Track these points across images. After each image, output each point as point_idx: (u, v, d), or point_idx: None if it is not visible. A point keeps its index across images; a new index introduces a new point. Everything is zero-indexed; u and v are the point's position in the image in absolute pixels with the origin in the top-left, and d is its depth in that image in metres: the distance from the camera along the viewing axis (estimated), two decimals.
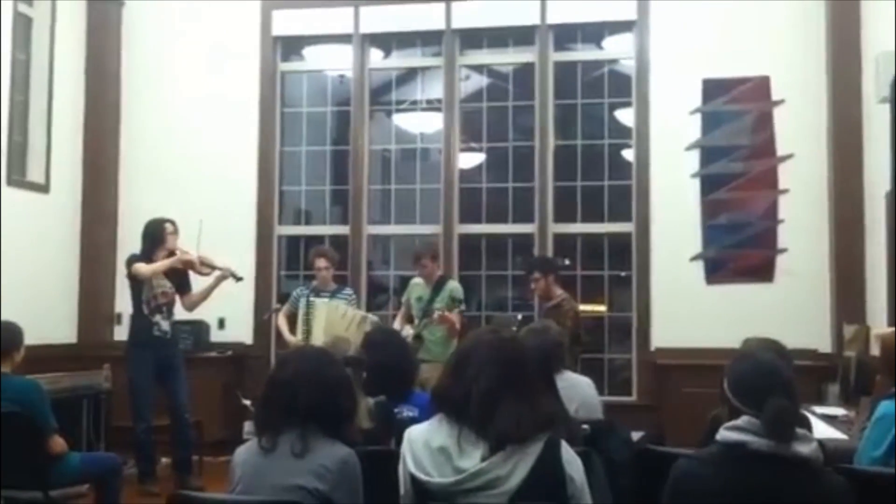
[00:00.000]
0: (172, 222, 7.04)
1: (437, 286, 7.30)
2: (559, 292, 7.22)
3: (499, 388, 2.70)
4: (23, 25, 8.01)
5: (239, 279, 7.19)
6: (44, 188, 8.20)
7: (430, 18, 8.66)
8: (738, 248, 7.96)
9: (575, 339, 6.87)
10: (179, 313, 7.22)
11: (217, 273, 7.05)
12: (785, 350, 3.97)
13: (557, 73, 8.60)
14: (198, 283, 7.19)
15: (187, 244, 7.02)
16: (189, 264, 6.97)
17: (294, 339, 7.19)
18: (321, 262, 7.36)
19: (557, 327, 4.94)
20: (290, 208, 9.28)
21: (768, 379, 2.65)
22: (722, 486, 2.53)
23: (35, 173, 8.14)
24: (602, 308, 8.55)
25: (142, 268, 6.85)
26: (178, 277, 7.05)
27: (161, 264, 6.88)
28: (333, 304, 7.20)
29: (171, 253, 6.96)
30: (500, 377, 2.72)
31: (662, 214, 8.09)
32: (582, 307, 7.80)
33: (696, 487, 2.57)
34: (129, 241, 7.95)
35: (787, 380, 2.66)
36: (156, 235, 6.99)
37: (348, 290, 7.60)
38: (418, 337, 7.12)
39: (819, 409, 5.61)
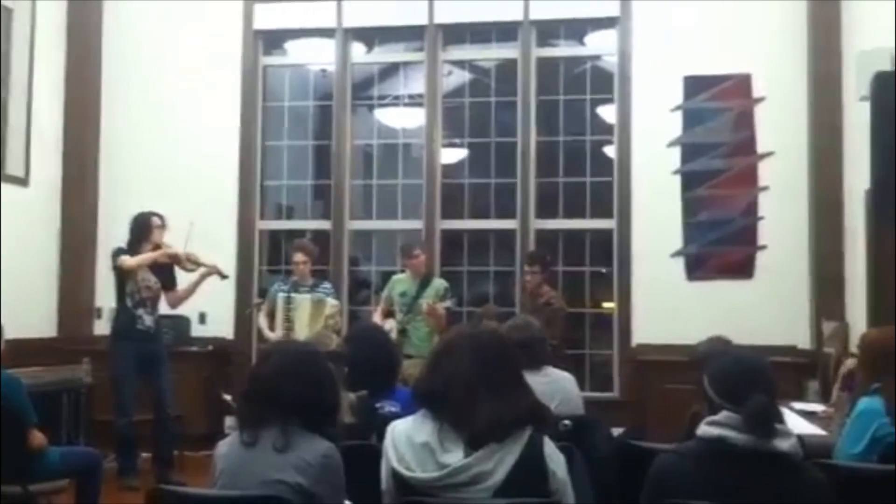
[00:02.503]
0: (160, 216, 7.01)
1: (423, 282, 7.31)
2: (546, 289, 7.27)
3: (477, 383, 2.70)
4: (2, 17, 7.94)
5: (224, 277, 7.19)
6: (23, 181, 8.14)
7: (412, 13, 8.66)
8: (719, 245, 7.99)
9: (563, 339, 6.94)
10: (162, 308, 7.19)
11: (202, 270, 7.04)
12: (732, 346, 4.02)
13: (540, 70, 8.61)
14: (183, 280, 7.16)
15: (175, 242, 7.00)
16: (174, 258, 6.95)
17: (274, 336, 7.17)
18: (299, 257, 7.36)
19: (538, 323, 4.97)
20: (272, 203, 9.26)
21: (749, 375, 2.67)
22: (702, 481, 2.54)
23: (14, 167, 8.07)
24: (583, 304, 8.55)
25: (127, 260, 6.82)
26: (164, 273, 7.03)
27: (146, 256, 6.85)
28: (315, 298, 7.22)
29: (157, 247, 6.94)
30: (478, 372, 2.73)
31: (644, 211, 8.12)
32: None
33: (676, 482, 2.58)
34: (109, 235, 7.94)
35: (767, 376, 2.68)
36: (143, 228, 6.95)
37: (327, 284, 7.58)
38: (403, 331, 7.13)
39: (798, 405, 5.65)
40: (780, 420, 2.63)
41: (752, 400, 2.54)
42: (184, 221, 6.97)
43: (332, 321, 7.17)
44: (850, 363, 5.33)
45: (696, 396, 3.04)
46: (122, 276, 6.89)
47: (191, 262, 7.00)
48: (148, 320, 6.91)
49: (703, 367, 2.82)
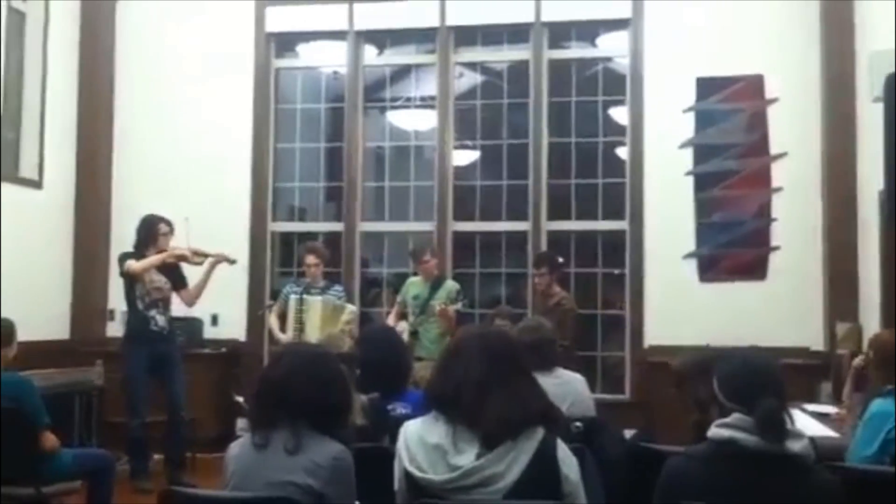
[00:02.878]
0: (168, 222, 7.00)
1: (436, 284, 7.31)
2: (557, 290, 7.27)
3: (487, 382, 2.71)
4: (16, 21, 7.98)
5: (233, 262, 7.18)
6: (37, 184, 8.18)
7: (424, 15, 8.66)
8: (732, 247, 7.97)
9: (575, 339, 6.93)
10: (177, 309, 7.19)
11: (211, 259, 7.04)
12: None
13: (552, 71, 8.60)
14: (192, 277, 7.16)
15: (176, 242, 7.01)
16: (181, 258, 6.96)
17: (285, 338, 7.17)
18: (310, 259, 7.35)
19: (549, 324, 4.96)
20: (284, 205, 9.27)
21: (759, 378, 2.66)
22: (714, 484, 2.54)
23: (28, 169, 8.12)
24: (595, 306, 8.53)
25: (133, 265, 6.83)
26: (173, 273, 7.03)
27: (152, 260, 6.85)
28: (327, 301, 7.21)
29: (163, 251, 6.94)
30: (488, 372, 2.73)
31: (656, 212, 8.10)
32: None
33: (687, 485, 2.57)
34: (121, 237, 7.94)
35: (776, 378, 2.67)
36: (149, 233, 6.96)
37: (338, 287, 7.58)
38: (414, 334, 7.14)
39: (811, 407, 5.62)
40: (791, 423, 2.62)
41: (763, 403, 2.53)
42: (195, 223, 6.99)
43: (349, 327, 7.14)
44: (858, 360, 5.32)
45: (688, 405, 3.08)
46: (131, 280, 6.91)
47: (197, 256, 7.00)
48: (161, 321, 6.93)
49: (692, 379, 2.84)
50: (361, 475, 2.89)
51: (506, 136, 8.81)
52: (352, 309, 7.37)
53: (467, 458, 2.63)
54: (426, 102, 8.96)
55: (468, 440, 2.66)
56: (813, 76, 7.79)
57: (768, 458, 2.50)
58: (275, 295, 8.14)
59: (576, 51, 8.80)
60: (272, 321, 7.46)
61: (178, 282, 7.09)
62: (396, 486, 2.77)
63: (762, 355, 2.82)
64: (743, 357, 2.79)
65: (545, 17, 8.47)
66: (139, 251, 6.95)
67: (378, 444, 3.53)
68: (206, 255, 7.04)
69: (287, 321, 7.29)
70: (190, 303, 7.23)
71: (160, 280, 6.95)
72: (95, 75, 8.77)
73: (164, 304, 6.98)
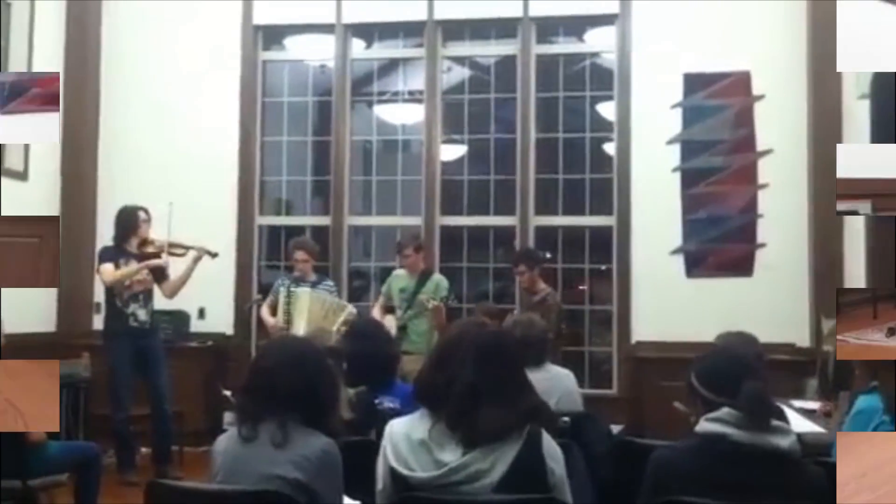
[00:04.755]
0: (145, 210, 7.00)
1: (422, 278, 7.30)
2: (542, 286, 7.28)
3: (478, 386, 2.67)
4: (1, 12, 7.92)
5: (214, 255, 7.12)
6: (22, 175, 8.13)
7: (412, 9, 8.65)
8: (718, 243, 7.99)
9: (559, 334, 6.93)
10: (159, 302, 7.18)
11: (193, 254, 7.01)
12: (757, 341, 4.05)
13: (539, 66, 8.61)
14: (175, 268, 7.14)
15: (158, 228, 6.99)
16: (157, 269, 6.91)
17: (274, 321, 7.17)
18: (300, 255, 7.33)
19: (542, 321, 4.97)
20: (271, 198, 9.25)
21: (737, 365, 2.71)
22: (700, 476, 2.55)
23: (13, 160, 8.06)
24: (582, 301, 8.55)
25: (105, 275, 6.81)
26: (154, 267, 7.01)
27: (125, 272, 6.82)
28: (315, 294, 7.19)
29: (144, 241, 6.92)
30: (481, 375, 2.68)
31: (643, 208, 8.12)
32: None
33: (674, 476, 2.59)
34: (107, 229, 7.88)
35: (754, 364, 2.72)
36: (128, 224, 6.95)
37: (329, 282, 7.58)
38: (402, 328, 7.12)
39: (797, 403, 5.64)
40: (779, 416, 2.63)
41: (746, 388, 2.56)
42: (182, 216, 6.96)
43: (346, 327, 7.09)
44: None
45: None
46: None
47: (177, 248, 6.96)
48: (142, 315, 6.89)
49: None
50: (348, 468, 2.88)
51: (493, 131, 8.81)
52: (351, 310, 7.31)
53: (453, 454, 2.61)
54: (414, 97, 8.96)
55: (451, 436, 2.64)
56: (800, 73, 7.82)
57: (757, 452, 2.51)
58: (262, 289, 8.13)
59: (563, 46, 8.80)
60: (263, 312, 7.44)
61: (160, 274, 7.06)
62: (379, 485, 2.75)
63: (736, 345, 2.88)
64: (717, 351, 2.85)
65: (533, 13, 8.48)
66: (119, 242, 6.93)
67: (365, 438, 3.53)
68: (185, 248, 7.01)
69: (277, 314, 7.28)
70: (170, 295, 7.18)
71: (142, 273, 6.92)
72: (81, 67, 8.71)
73: (146, 296, 6.94)
